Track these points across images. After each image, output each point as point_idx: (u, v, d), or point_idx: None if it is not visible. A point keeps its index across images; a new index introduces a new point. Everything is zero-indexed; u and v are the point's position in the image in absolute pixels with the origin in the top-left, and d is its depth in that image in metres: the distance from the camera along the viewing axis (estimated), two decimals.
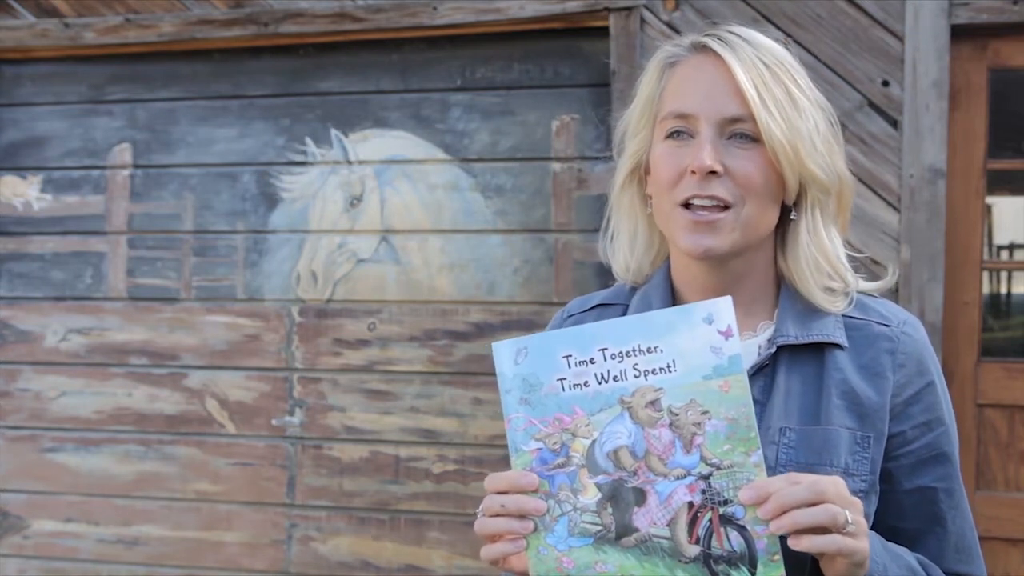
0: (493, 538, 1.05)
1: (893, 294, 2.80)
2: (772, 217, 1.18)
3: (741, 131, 1.13)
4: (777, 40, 1.19)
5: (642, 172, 1.24)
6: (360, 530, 3.23)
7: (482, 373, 3.14)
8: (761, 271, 1.21)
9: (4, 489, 3.49)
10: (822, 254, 1.18)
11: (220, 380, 3.32)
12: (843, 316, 1.19)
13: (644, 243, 1.28)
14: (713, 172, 1.12)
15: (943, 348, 2.85)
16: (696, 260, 1.17)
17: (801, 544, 0.96)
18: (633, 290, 1.29)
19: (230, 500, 3.32)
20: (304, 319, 3.27)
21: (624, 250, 1.29)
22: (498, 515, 1.04)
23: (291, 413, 3.28)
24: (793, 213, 1.19)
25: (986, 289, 3.85)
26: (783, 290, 1.21)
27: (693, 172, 1.12)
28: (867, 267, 1.31)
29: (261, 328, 3.30)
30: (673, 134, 1.16)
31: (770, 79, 1.13)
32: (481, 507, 1.06)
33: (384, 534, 3.22)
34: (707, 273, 1.18)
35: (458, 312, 3.17)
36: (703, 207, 1.13)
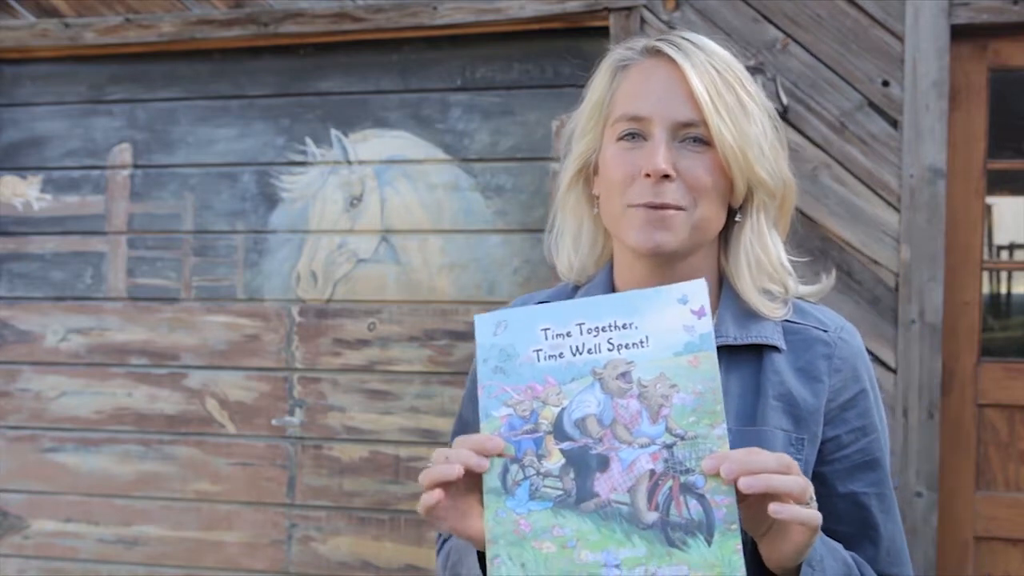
0: (432, 488, 1.04)
1: (893, 294, 2.80)
2: (720, 219, 1.20)
3: (693, 135, 1.15)
4: (726, 47, 1.21)
5: (589, 172, 1.26)
6: (360, 530, 3.23)
7: None
8: (705, 272, 1.21)
9: (4, 489, 3.49)
10: (765, 255, 1.21)
11: (220, 380, 3.32)
12: (782, 320, 1.20)
13: (588, 242, 1.29)
14: (666, 176, 1.14)
15: (943, 348, 2.85)
16: (643, 258, 1.18)
17: (785, 512, 0.97)
18: (575, 289, 1.31)
19: (230, 500, 3.32)
20: (304, 319, 3.28)
21: (568, 249, 1.30)
22: (440, 465, 1.03)
23: (291, 413, 3.28)
24: (738, 216, 1.22)
25: (986, 289, 3.84)
26: (724, 291, 1.22)
27: (647, 175, 1.14)
28: (808, 271, 1.33)
29: (261, 328, 3.30)
30: (626, 136, 1.18)
31: (722, 85, 1.15)
32: (431, 459, 1.06)
33: (384, 534, 3.22)
34: (651, 273, 1.19)
35: (458, 312, 3.17)
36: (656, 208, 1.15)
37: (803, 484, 0.99)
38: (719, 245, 1.23)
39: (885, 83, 2.83)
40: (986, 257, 3.02)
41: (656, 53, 1.19)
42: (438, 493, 1.02)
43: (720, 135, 1.14)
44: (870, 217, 2.83)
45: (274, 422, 3.29)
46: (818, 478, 1.17)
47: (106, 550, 3.40)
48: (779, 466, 0.98)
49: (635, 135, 1.17)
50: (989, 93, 2.90)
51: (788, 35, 2.87)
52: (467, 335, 3.16)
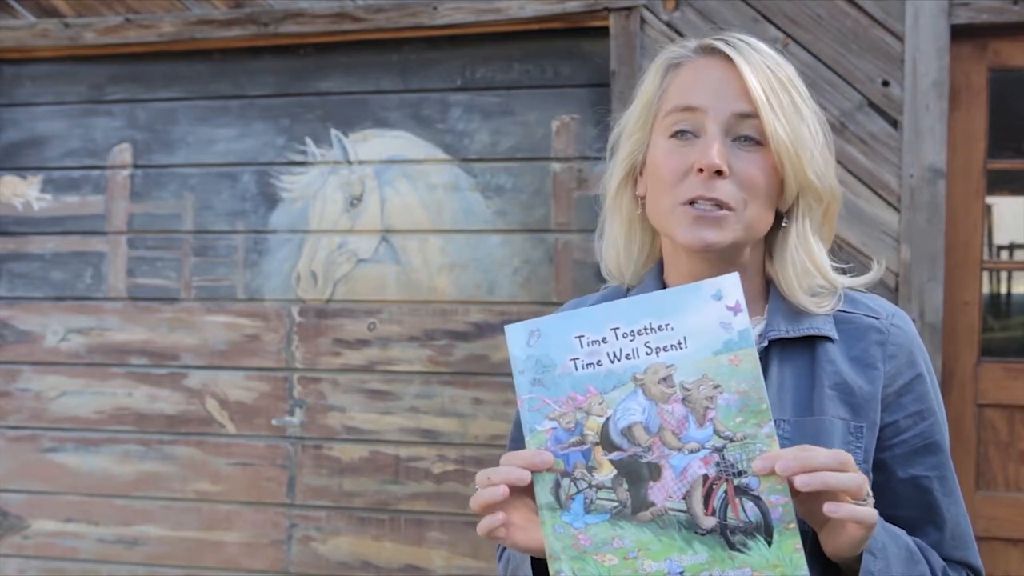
0: (485, 511, 1.05)
1: (893, 294, 2.80)
2: (769, 220, 1.19)
3: (747, 133, 1.15)
4: (779, 51, 1.21)
5: (636, 173, 1.26)
6: (360, 530, 3.23)
7: (482, 373, 3.14)
8: (752, 272, 1.22)
9: (4, 489, 3.49)
10: (810, 261, 1.21)
11: (220, 380, 3.32)
12: (833, 311, 1.21)
13: (638, 245, 1.29)
14: (719, 172, 1.13)
15: (943, 348, 2.85)
16: (693, 256, 1.18)
17: (841, 511, 0.97)
18: (627, 292, 1.31)
19: (230, 500, 3.32)
20: (304, 319, 3.28)
21: (620, 252, 1.30)
22: (485, 487, 1.05)
23: (291, 413, 3.28)
24: (784, 220, 1.21)
25: (986, 289, 3.84)
26: (772, 290, 1.23)
27: (700, 170, 1.13)
28: (858, 267, 1.33)
29: (261, 328, 3.30)
30: (677, 133, 1.17)
31: (776, 84, 1.15)
32: (476, 482, 1.07)
33: (384, 534, 3.22)
34: (701, 270, 1.19)
35: (458, 312, 3.17)
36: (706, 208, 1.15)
37: (859, 481, 0.98)
38: (764, 248, 1.23)
39: (885, 83, 2.83)
40: (986, 257, 3.02)
41: (710, 51, 1.19)
42: (501, 516, 1.03)
43: (775, 132, 1.13)
44: (870, 217, 2.83)
45: (274, 422, 3.29)
46: (878, 465, 1.17)
47: (106, 550, 3.40)
48: (834, 463, 0.98)
49: (686, 132, 1.16)
50: (989, 93, 2.90)
51: (788, 35, 2.87)
52: (467, 335, 3.16)
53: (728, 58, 1.16)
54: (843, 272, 1.25)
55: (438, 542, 3.18)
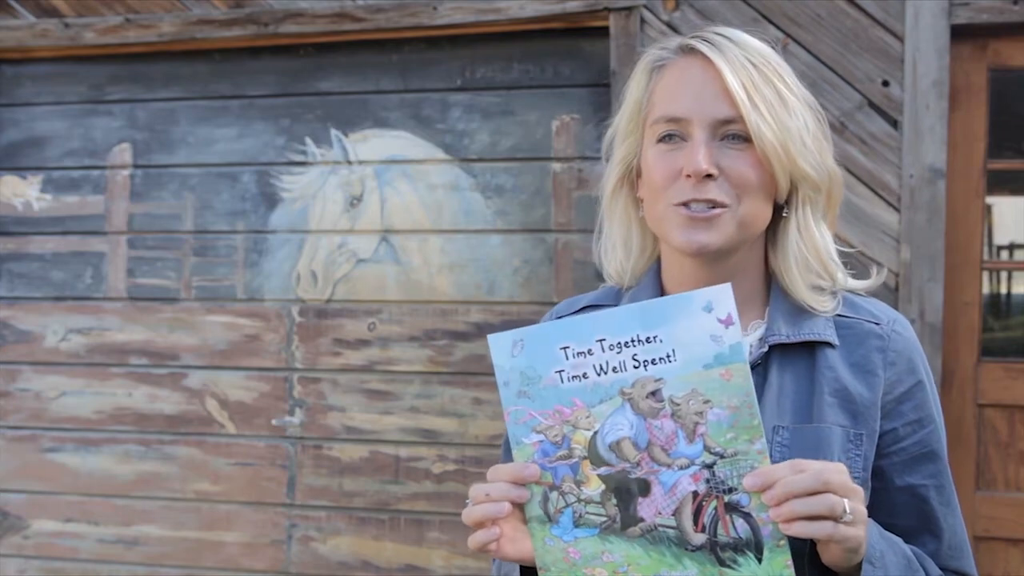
0: (479, 526, 1.05)
1: (893, 294, 2.80)
2: (766, 215, 1.18)
3: (734, 132, 1.14)
4: (764, 39, 1.19)
5: (633, 176, 1.25)
6: (360, 530, 3.23)
7: (482, 373, 3.14)
8: (753, 269, 1.21)
9: (4, 489, 3.49)
10: (812, 251, 1.19)
11: (220, 380, 3.32)
12: (833, 315, 1.19)
13: (638, 246, 1.28)
14: (709, 175, 1.12)
15: (943, 348, 2.85)
16: (690, 257, 1.17)
17: (792, 529, 0.97)
18: (621, 292, 1.30)
19: (230, 500, 3.32)
20: (304, 319, 3.27)
21: (619, 253, 1.29)
22: (482, 503, 1.05)
23: (291, 413, 3.28)
24: (784, 211, 1.20)
25: (986, 289, 3.84)
26: (774, 289, 1.21)
27: (688, 176, 1.13)
28: (859, 262, 1.32)
29: (261, 328, 3.30)
30: (665, 137, 1.17)
31: (759, 79, 1.13)
32: (469, 496, 1.06)
33: (384, 534, 3.22)
34: (700, 271, 1.18)
35: (458, 312, 3.17)
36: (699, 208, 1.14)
37: (831, 503, 0.97)
38: (766, 241, 1.22)
39: (885, 83, 2.83)
40: (986, 257, 3.02)
41: (690, 51, 1.17)
42: (497, 530, 1.04)
43: (759, 131, 1.12)
44: (870, 217, 2.83)
45: (274, 422, 3.29)
46: (876, 472, 1.16)
47: (106, 550, 3.40)
48: (814, 483, 0.97)
49: (674, 136, 1.16)
50: (989, 93, 2.90)
51: (788, 35, 2.87)
52: (467, 335, 3.16)
53: (708, 58, 1.15)
54: (845, 264, 1.24)
55: (438, 542, 3.18)
